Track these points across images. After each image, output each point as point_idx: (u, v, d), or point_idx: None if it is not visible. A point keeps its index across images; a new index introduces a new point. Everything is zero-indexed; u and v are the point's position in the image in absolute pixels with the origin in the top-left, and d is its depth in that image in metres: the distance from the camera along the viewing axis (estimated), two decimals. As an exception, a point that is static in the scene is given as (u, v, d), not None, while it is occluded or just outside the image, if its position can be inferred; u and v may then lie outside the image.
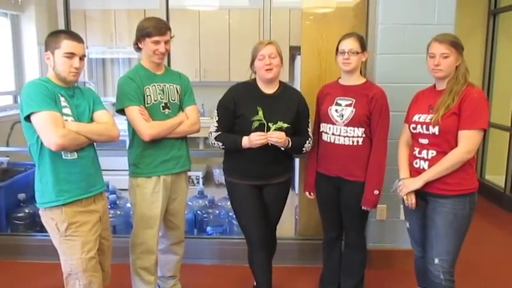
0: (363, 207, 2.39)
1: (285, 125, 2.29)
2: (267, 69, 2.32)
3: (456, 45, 2.14)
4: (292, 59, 5.03)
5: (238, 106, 2.35)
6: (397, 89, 2.69)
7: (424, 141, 2.16)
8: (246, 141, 2.29)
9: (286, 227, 3.39)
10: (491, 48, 4.95)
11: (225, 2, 4.95)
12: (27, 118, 1.90)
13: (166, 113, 2.39)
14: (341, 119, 2.37)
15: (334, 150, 2.42)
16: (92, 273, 2.05)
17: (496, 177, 4.87)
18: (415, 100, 2.31)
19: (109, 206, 3.46)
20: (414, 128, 2.20)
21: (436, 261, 2.14)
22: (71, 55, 1.97)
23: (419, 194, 2.20)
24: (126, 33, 5.28)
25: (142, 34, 2.32)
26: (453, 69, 2.15)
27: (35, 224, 3.48)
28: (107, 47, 5.28)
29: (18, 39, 4.86)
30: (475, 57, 5.00)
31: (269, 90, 2.41)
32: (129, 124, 2.38)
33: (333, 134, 2.41)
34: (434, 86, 2.24)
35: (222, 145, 2.39)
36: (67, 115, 1.98)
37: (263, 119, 2.28)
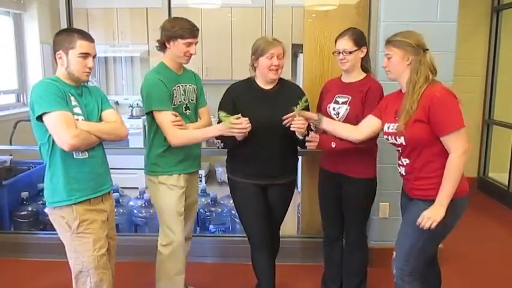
0: None
1: (306, 104, 2.27)
2: (273, 70, 2.31)
3: (396, 43, 2.03)
4: (294, 57, 5.02)
5: (238, 105, 2.34)
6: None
7: (399, 149, 2.11)
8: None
9: (289, 225, 3.39)
10: (494, 45, 4.92)
11: (228, 0, 4.95)
12: (39, 118, 1.90)
13: (187, 114, 2.42)
14: (337, 117, 2.37)
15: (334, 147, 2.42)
16: (102, 270, 2.06)
17: (499, 175, 4.85)
18: (384, 106, 2.19)
19: (112, 205, 3.48)
20: (387, 140, 2.13)
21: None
22: (85, 55, 1.98)
23: (407, 196, 2.17)
24: (128, 32, 5.28)
25: (174, 35, 2.28)
26: (404, 68, 2.03)
27: (38, 222, 3.49)
28: (109, 46, 5.28)
29: (20, 38, 4.86)
30: (478, 54, 4.97)
31: (268, 86, 2.40)
32: (151, 125, 2.39)
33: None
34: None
35: (221, 142, 2.43)
36: (78, 114, 1.98)
37: (224, 118, 2.22)
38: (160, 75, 2.33)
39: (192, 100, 2.45)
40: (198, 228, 3.49)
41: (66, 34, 1.99)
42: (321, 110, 2.47)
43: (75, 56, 1.96)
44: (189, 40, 2.29)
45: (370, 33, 2.98)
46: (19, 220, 3.48)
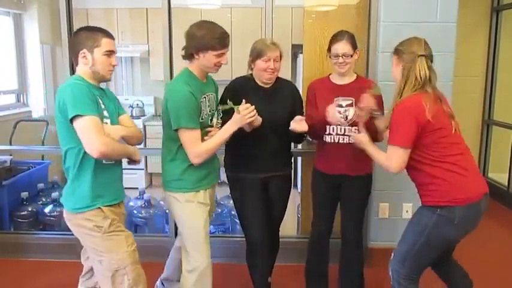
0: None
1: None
2: (269, 72, 2.34)
3: (394, 50, 2.13)
4: (294, 57, 5.03)
5: (236, 102, 2.32)
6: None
7: None
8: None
9: (289, 225, 3.39)
10: (494, 45, 4.92)
11: (227, 1, 4.95)
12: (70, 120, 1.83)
13: (212, 123, 2.34)
14: (345, 120, 2.38)
15: (339, 149, 2.42)
16: (137, 265, 2.04)
17: (499, 175, 4.85)
18: None
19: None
20: None
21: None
22: (110, 53, 1.96)
23: None
24: (128, 32, 5.29)
25: (204, 47, 2.11)
26: (397, 74, 2.07)
27: (38, 222, 3.50)
28: (109, 46, 5.28)
29: (20, 38, 4.86)
30: (478, 55, 4.97)
31: (266, 84, 2.43)
32: (176, 138, 2.17)
33: (337, 134, 2.42)
34: None
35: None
36: (106, 118, 1.95)
37: (232, 106, 2.20)
38: (189, 86, 2.13)
39: (213, 109, 2.34)
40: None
41: (89, 32, 1.94)
42: (318, 111, 2.42)
43: (100, 54, 1.93)
44: (221, 51, 2.14)
45: (370, 33, 2.98)
46: (19, 220, 3.48)
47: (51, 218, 3.45)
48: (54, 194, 3.48)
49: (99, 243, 1.97)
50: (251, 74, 2.46)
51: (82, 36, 1.93)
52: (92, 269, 2.14)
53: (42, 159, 4.10)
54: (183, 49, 2.20)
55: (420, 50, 2.02)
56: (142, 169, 5.24)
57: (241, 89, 2.42)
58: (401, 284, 2.08)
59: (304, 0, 3.37)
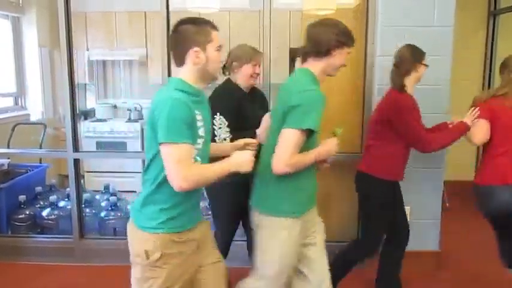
0: None
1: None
2: (254, 77, 2.49)
3: None
4: (292, 61, 5.03)
5: (242, 108, 2.45)
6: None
7: None
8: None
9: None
10: (491, 49, 4.95)
11: (226, 4, 4.96)
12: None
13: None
14: None
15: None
16: None
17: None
18: None
19: (109, 208, 3.47)
20: None
21: None
22: (220, 48, 1.70)
23: None
24: (126, 36, 5.28)
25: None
26: None
27: (36, 226, 3.49)
28: (108, 49, 5.28)
29: (19, 41, 4.86)
30: (475, 59, 4.99)
31: (247, 89, 2.55)
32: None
33: None
34: None
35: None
36: (201, 137, 1.67)
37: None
38: None
39: None
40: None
41: (197, 26, 1.66)
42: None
43: (213, 50, 1.66)
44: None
45: (368, 38, 2.99)
46: (16, 223, 3.47)
47: (49, 222, 3.44)
48: (52, 198, 3.47)
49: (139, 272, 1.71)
50: (228, 79, 2.52)
51: (190, 31, 1.65)
52: None
53: (40, 163, 4.10)
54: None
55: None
56: (140, 172, 5.22)
57: (228, 96, 2.48)
58: None
59: (302, 3, 3.39)
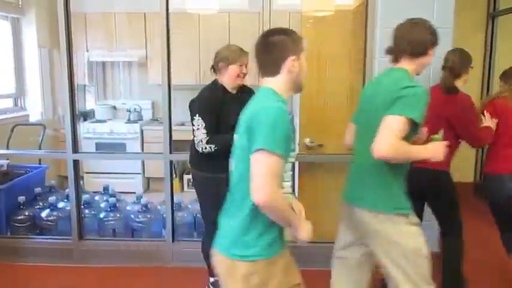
0: None
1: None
2: (241, 77, 2.49)
3: None
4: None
5: (222, 110, 2.46)
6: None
7: None
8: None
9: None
10: (490, 51, 4.96)
11: (225, 5, 4.97)
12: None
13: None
14: None
15: None
16: None
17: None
18: None
19: (108, 209, 3.47)
20: None
21: None
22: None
23: None
24: (126, 37, 5.29)
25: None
26: None
27: (35, 227, 3.48)
28: (107, 50, 5.29)
29: (18, 42, 4.87)
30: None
31: (233, 90, 2.55)
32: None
33: None
34: None
35: (215, 147, 2.41)
36: (291, 157, 1.66)
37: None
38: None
39: None
40: (195, 233, 3.48)
41: (289, 34, 1.64)
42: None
43: (304, 58, 1.65)
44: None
45: (367, 38, 2.99)
46: (16, 224, 3.47)
47: (48, 223, 3.44)
48: (51, 199, 3.47)
49: None
50: (215, 80, 2.54)
51: (287, 41, 1.62)
52: None
53: (39, 164, 4.10)
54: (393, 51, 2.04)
55: None
56: (140, 173, 5.24)
57: (215, 98, 2.49)
58: None
59: (301, 5, 3.39)
